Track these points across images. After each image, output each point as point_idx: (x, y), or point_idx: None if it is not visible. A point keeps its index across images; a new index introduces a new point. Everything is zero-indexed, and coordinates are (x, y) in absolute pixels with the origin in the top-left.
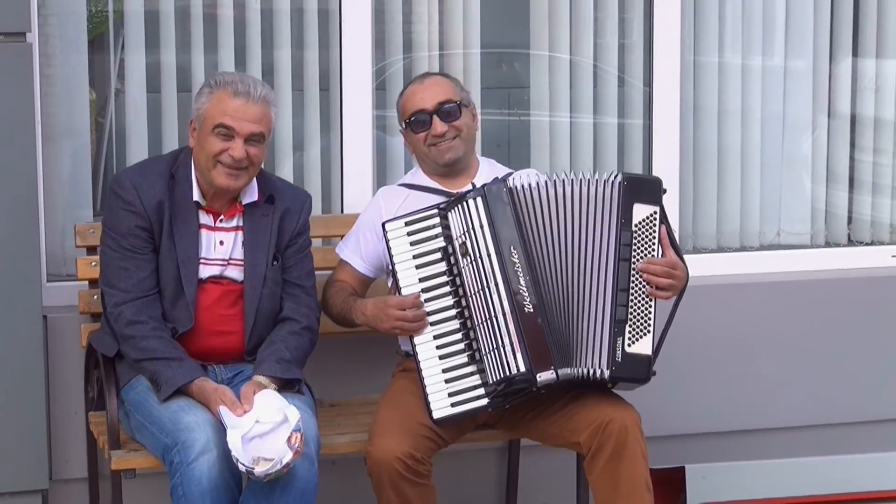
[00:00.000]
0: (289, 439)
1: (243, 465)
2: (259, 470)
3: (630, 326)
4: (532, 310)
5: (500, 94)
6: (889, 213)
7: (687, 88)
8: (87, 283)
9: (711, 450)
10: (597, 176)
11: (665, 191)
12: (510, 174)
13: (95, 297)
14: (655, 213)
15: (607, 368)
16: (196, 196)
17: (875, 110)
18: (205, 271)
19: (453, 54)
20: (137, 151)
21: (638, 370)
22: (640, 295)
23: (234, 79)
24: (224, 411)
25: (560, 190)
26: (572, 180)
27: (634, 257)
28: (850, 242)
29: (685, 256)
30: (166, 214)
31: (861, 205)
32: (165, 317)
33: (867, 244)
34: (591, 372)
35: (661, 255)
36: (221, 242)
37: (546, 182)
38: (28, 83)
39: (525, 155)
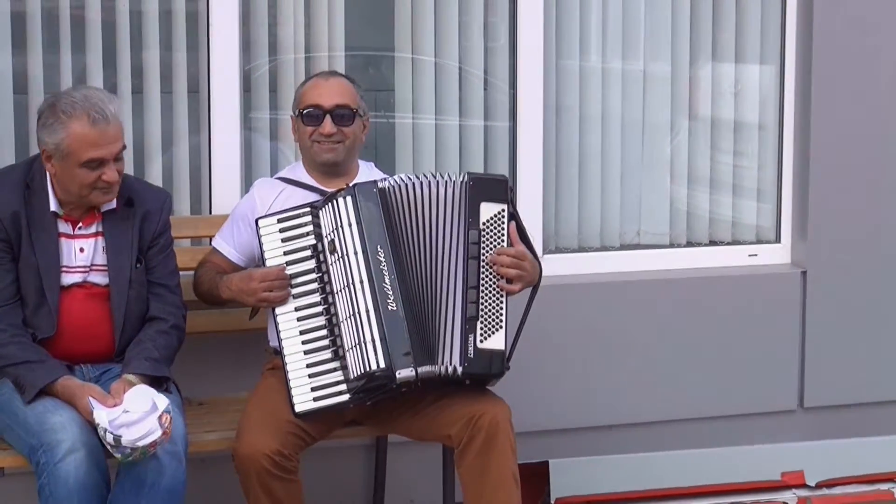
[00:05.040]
0: (160, 418)
1: (111, 432)
2: (125, 439)
3: (482, 322)
4: (395, 308)
5: (367, 96)
6: (746, 213)
7: (550, 91)
8: None
9: (574, 445)
10: (446, 177)
11: (512, 189)
12: (385, 179)
13: None
14: (503, 210)
15: (460, 365)
16: (54, 206)
17: (735, 114)
18: (67, 279)
19: (319, 57)
20: (5, 154)
21: (491, 365)
22: (491, 292)
23: (82, 102)
24: (94, 400)
25: (419, 191)
26: (429, 182)
27: (484, 255)
28: (712, 243)
29: (546, 258)
30: (23, 224)
31: (721, 206)
32: (27, 323)
33: (727, 244)
34: (446, 369)
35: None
36: (82, 249)
37: (409, 183)
38: None
39: (391, 157)
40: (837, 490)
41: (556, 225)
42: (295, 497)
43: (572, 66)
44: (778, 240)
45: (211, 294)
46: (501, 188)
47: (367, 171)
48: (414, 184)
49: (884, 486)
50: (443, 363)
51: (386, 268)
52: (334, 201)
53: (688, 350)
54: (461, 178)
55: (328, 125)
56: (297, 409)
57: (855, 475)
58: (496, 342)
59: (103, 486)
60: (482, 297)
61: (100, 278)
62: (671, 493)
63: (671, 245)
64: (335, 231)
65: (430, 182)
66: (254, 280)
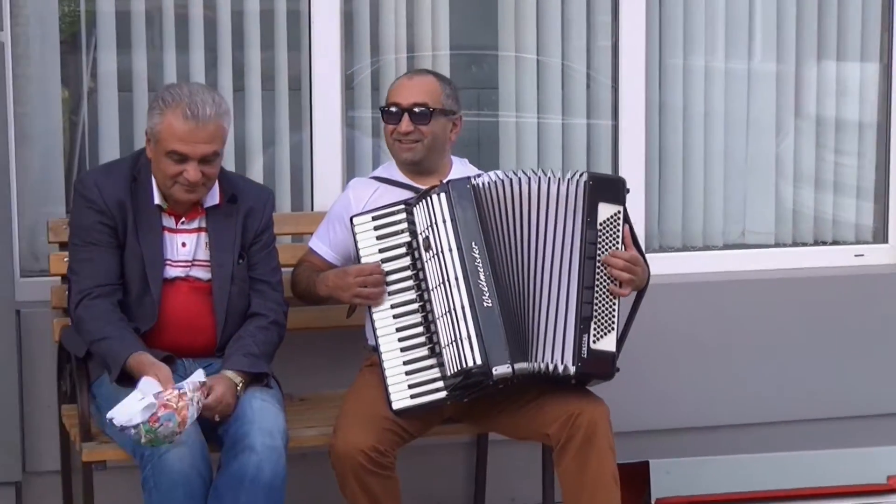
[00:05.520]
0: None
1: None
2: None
3: (595, 323)
4: (491, 304)
5: (470, 94)
6: (853, 213)
7: (653, 90)
8: (59, 278)
9: (676, 445)
10: (559, 175)
11: (628, 190)
12: (480, 175)
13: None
14: (619, 212)
15: (573, 364)
16: (157, 200)
17: (841, 112)
18: (170, 272)
19: (423, 56)
20: (109, 150)
21: (603, 366)
22: (604, 292)
23: (185, 97)
24: (146, 380)
25: (525, 187)
26: (539, 178)
27: (599, 255)
28: (817, 242)
29: (648, 256)
30: (129, 215)
31: (826, 205)
32: (130, 314)
33: (831, 244)
34: (556, 367)
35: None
36: (184, 244)
37: (511, 179)
38: (1, 82)
39: (494, 155)
40: None
41: (660, 223)
42: (392, 493)
43: (676, 65)
44: (885, 240)
45: (308, 292)
46: (620, 189)
47: (460, 168)
48: (513, 180)
49: None
50: (550, 360)
51: (481, 264)
52: (428, 198)
53: (793, 351)
54: (580, 177)
55: (405, 123)
56: (395, 406)
57: None
58: (608, 344)
59: (206, 479)
60: (597, 298)
61: (202, 273)
62: (774, 495)
63: (776, 245)
64: (429, 228)
65: (539, 178)
66: (349, 275)
